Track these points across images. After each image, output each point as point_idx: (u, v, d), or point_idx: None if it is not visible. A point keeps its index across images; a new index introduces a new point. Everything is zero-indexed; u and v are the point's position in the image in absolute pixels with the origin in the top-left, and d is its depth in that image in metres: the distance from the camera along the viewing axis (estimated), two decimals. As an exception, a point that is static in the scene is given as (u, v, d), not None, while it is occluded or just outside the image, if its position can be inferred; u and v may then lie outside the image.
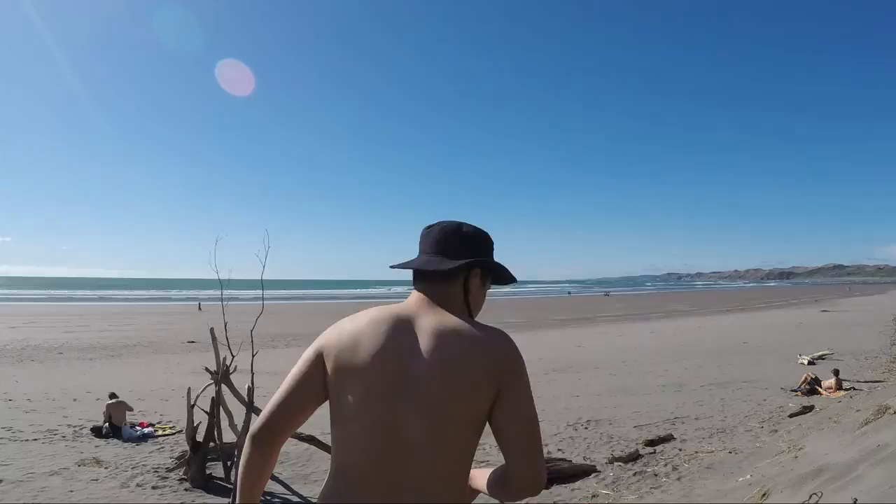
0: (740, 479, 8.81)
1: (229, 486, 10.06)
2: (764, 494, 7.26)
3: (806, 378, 17.41)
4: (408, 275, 2.36)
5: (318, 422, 10.45)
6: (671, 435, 12.66)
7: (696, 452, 11.13)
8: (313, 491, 10.19)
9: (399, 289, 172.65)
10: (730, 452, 10.92)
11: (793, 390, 17.21)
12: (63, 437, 13.69)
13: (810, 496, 5.92)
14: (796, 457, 9.05)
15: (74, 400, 18.32)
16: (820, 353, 24.63)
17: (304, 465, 11.53)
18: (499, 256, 2.46)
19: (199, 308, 69.37)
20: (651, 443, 12.11)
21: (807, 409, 14.25)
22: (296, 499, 9.97)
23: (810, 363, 22.34)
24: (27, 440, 13.20)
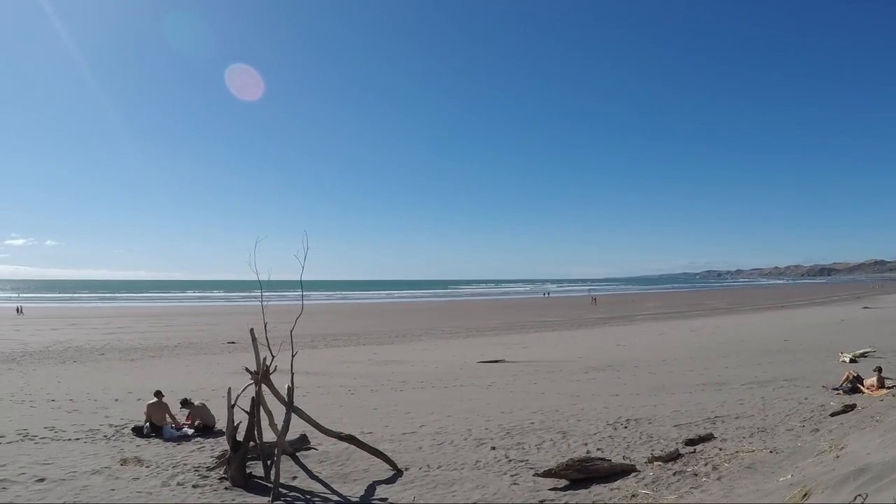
0: (781, 478, 8.62)
1: (269, 484, 10.10)
2: (805, 495, 7.09)
3: (847, 376, 16.99)
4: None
5: (357, 421, 10.60)
6: (711, 434, 12.45)
7: (737, 452, 10.91)
8: (353, 490, 10.24)
9: (438, 290, 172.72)
10: (770, 452, 10.69)
11: (834, 388, 16.81)
12: (105, 436, 13.89)
13: (855, 497, 5.77)
14: (838, 456, 8.82)
15: (116, 400, 18.67)
16: (862, 350, 24.00)
17: (343, 464, 11.59)
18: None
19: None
20: (691, 442, 11.93)
21: (849, 408, 13.88)
22: (335, 497, 9.97)
23: (852, 361, 21.82)
24: (69, 440, 13.40)
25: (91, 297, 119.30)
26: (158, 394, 14.98)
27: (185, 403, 15.09)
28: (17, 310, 68.45)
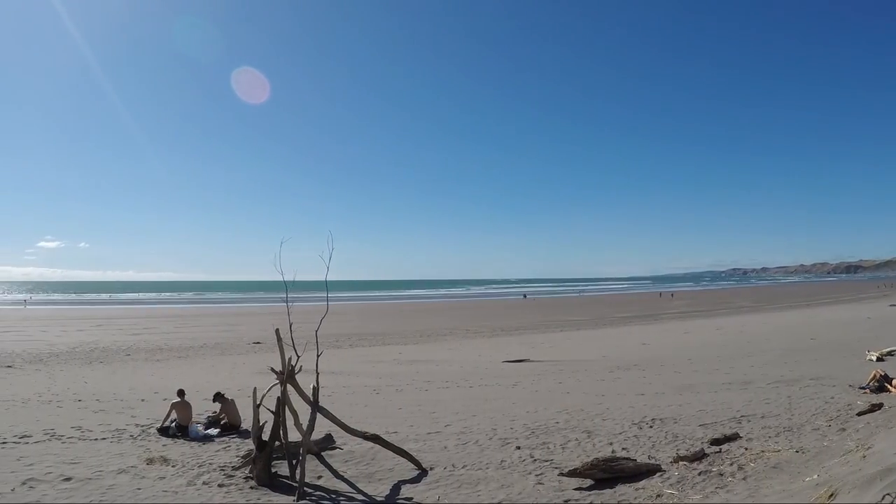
0: (807, 478, 8.49)
1: (294, 484, 10.08)
2: (831, 495, 6.99)
3: (875, 375, 16.69)
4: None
5: (383, 421, 10.63)
6: (737, 434, 12.29)
7: (763, 451, 10.76)
8: (378, 489, 10.19)
9: (462, 289, 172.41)
10: (797, 451, 10.52)
11: (861, 387, 16.51)
12: (131, 436, 13.90)
13: (883, 497, 5.68)
14: (864, 456, 8.66)
15: (142, 400, 18.75)
16: (889, 349, 23.50)
17: (368, 463, 11.54)
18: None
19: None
20: (716, 441, 11.79)
21: (876, 407, 13.62)
22: (361, 496, 9.92)
23: (879, 359, 21.43)
24: (96, 439, 13.42)
25: (117, 298, 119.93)
26: (181, 393, 15.02)
27: (218, 397, 15.14)
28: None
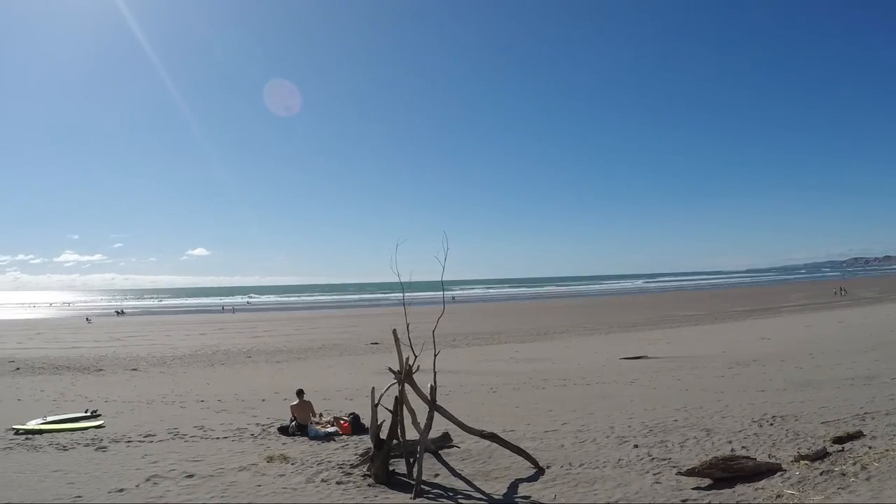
0: (935, 480, 7.82)
1: (412, 482, 10.02)
2: (962, 499, 6.41)
3: None
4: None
5: (499, 419, 10.71)
6: (860, 432, 11.36)
7: (887, 451, 9.91)
8: (494, 487, 10.03)
9: (578, 285, 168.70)
10: (924, 451, 9.66)
11: None
12: (252, 435, 14.10)
13: None
14: None
15: (263, 400, 19.03)
16: None
17: (485, 461, 11.36)
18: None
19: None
20: (839, 440, 10.95)
21: None
22: (477, 494, 9.79)
23: None
24: (218, 438, 13.71)
25: (239, 302, 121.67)
26: (300, 393, 15.05)
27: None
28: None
